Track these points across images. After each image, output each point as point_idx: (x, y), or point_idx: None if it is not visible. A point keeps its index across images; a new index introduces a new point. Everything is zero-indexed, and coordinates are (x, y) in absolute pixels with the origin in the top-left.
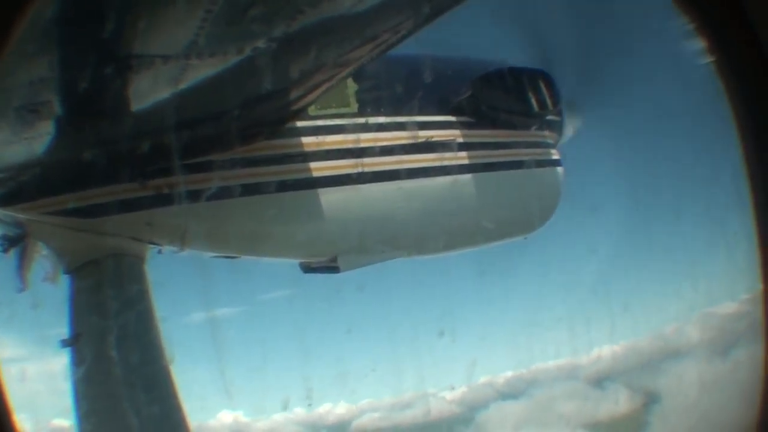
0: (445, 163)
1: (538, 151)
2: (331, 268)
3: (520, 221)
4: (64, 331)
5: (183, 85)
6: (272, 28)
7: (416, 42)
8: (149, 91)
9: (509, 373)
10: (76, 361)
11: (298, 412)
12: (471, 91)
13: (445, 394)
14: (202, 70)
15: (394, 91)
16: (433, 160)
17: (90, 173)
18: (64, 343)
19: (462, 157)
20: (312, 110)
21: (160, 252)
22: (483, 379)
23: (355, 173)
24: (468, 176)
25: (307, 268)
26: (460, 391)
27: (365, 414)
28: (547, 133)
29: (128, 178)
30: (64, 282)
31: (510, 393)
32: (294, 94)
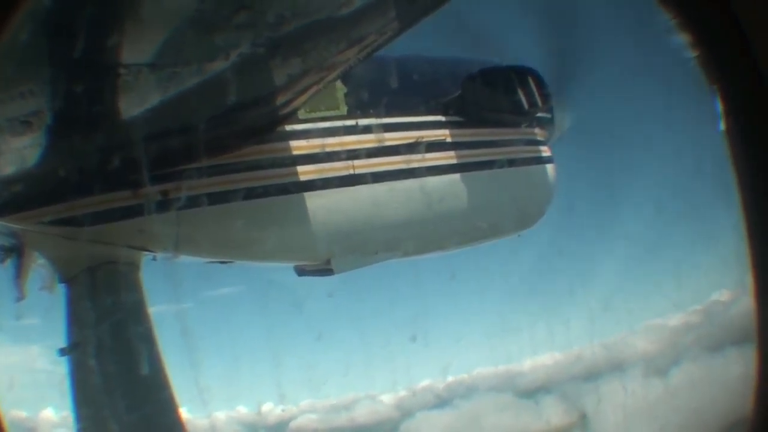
0: (437, 162)
1: (530, 148)
2: (325, 270)
3: (514, 219)
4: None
5: (171, 93)
6: (258, 33)
7: (403, 43)
8: (138, 99)
9: (450, 378)
10: (74, 369)
11: (241, 410)
12: (461, 91)
13: (384, 397)
14: (190, 77)
15: (383, 92)
16: (425, 160)
17: (83, 182)
18: (62, 352)
19: (453, 157)
20: (302, 113)
21: (154, 259)
22: (424, 383)
23: (346, 175)
24: (459, 175)
25: (302, 271)
26: (399, 394)
27: (304, 415)
28: (537, 130)
29: (120, 186)
30: (61, 291)
31: (447, 399)
32: (283, 98)
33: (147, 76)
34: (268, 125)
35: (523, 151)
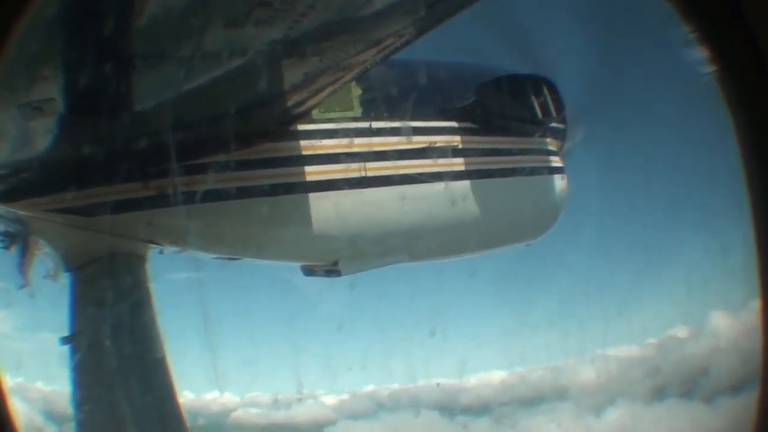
0: (448, 168)
1: (541, 158)
2: (333, 271)
3: (523, 228)
4: None
5: (186, 86)
6: (275, 31)
7: (420, 47)
8: (153, 91)
9: (396, 385)
10: (76, 357)
11: (187, 395)
12: (475, 97)
13: (327, 398)
14: (206, 72)
15: (398, 96)
16: (436, 165)
17: (92, 172)
18: (65, 340)
19: (465, 163)
20: (316, 113)
21: (161, 252)
22: (368, 388)
23: (358, 177)
24: (471, 182)
25: (309, 271)
26: (341, 397)
27: (245, 408)
28: (550, 140)
29: (130, 178)
30: (65, 279)
31: (374, 410)
32: (298, 97)
33: (163, 68)
34: (282, 123)
35: (535, 161)
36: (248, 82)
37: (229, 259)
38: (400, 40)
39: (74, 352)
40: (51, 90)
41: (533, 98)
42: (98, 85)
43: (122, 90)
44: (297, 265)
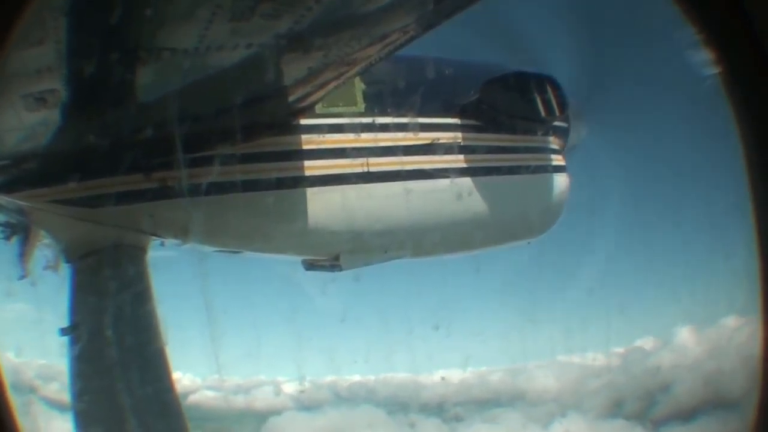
0: (451, 165)
1: (544, 156)
2: (333, 266)
3: (524, 226)
4: None
5: (190, 78)
6: (281, 25)
7: (424, 44)
8: (157, 83)
9: (357, 377)
10: (75, 349)
11: None
12: (479, 95)
13: (287, 386)
14: (210, 64)
15: (402, 91)
16: (439, 162)
17: (95, 163)
18: (64, 332)
19: (467, 160)
20: (319, 108)
21: (162, 244)
22: (329, 378)
23: (360, 172)
24: (472, 179)
25: (310, 266)
26: (302, 386)
27: (205, 390)
28: (552, 138)
29: (133, 170)
30: (65, 271)
31: (348, 398)
32: (301, 91)
33: (167, 60)
34: (285, 118)
35: (537, 159)
36: (253, 75)
37: (231, 252)
38: (405, 36)
39: (74, 342)
40: (54, 81)
41: (537, 96)
42: (102, 77)
43: (126, 81)
44: (297, 259)
